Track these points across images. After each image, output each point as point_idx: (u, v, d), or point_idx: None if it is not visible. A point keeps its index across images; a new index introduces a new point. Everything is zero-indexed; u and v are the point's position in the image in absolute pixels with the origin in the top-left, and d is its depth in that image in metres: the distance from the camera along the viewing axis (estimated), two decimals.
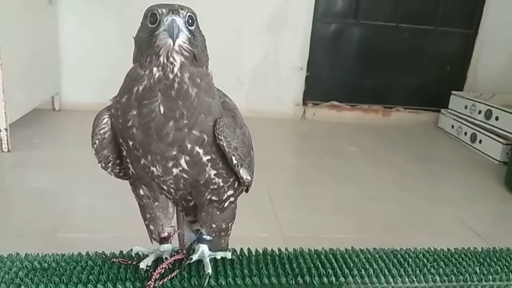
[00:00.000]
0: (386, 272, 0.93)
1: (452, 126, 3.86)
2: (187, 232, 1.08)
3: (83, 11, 3.70)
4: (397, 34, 4.00)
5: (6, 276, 0.86)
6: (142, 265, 0.89)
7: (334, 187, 2.61)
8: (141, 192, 0.88)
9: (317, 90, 4.11)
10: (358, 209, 2.33)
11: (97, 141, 0.82)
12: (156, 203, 0.91)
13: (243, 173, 0.84)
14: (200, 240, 0.94)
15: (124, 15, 3.58)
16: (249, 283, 0.87)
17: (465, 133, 3.65)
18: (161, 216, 0.93)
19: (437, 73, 4.19)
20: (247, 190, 1.00)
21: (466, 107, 3.72)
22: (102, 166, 0.87)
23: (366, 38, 4.02)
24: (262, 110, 4.01)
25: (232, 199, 0.91)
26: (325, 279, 0.90)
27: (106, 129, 0.81)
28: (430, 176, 2.98)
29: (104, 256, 0.95)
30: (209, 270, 0.88)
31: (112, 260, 0.93)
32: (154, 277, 0.86)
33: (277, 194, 2.43)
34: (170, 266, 0.90)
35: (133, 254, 0.96)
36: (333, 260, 0.97)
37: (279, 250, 1.01)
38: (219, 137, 0.77)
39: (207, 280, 0.86)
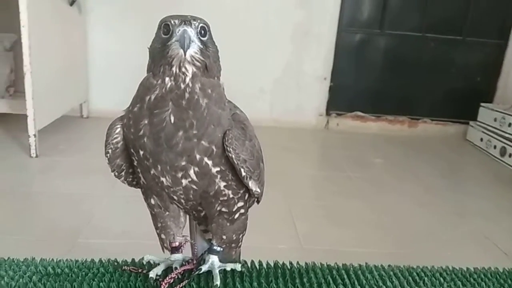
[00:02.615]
0: None
1: (481, 139, 3.74)
2: (199, 241, 1.08)
3: (111, 21, 3.80)
4: (423, 44, 3.92)
5: (21, 280, 0.88)
6: (152, 274, 0.89)
7: (355, 199, 2.56)
8: (152, 201, 0.89)
9: (341, 100, 4.07)
10: (379, 222, 2.28)
11: (110, 151, 0.83)
12: (167, 213, 0.91)
13: (252, 185, 0.84)
14: (210, 251, 0.94)
15: (150, 26, 3.64)
16: None
17: (495, 147, 3.53)
18: (172, 226, 0.94)
19: (465, 84, 4.08)
20: (258, 201, 0.99)
21: (495, 120, 3.60)
22: (115, 175, 0.89)
23: (391, 48, 3.97)
24: (285, 119, 4.01)
25: (242, 210, 0.91)
26: None
27: (119, 138, 0.82)
28: (456, 191, 2.89)
29: (116, 263, 0.96)
30: (217, 282, 0.87)
31: (123, 268, 0.94)
32: (162, 287, 0.86)
33: (297, 205, 2.40)
34: (180, 276, 0.90)
35: (144, 263, 0.97)
36: (345, 276, 0.95)
37: (291, 263, 0.99)
38: (228, 148, 0.77)
39: None
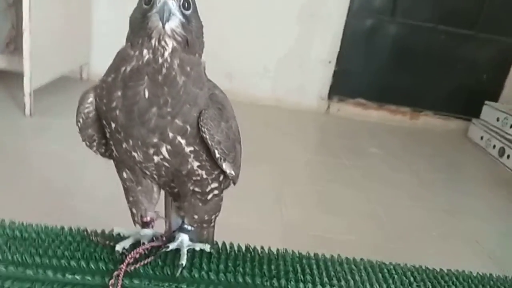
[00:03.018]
0: (367, 286, 0.89)
1: (482, 138, 3.70)
2: (174, 217, 1.06)
3: None
4: (434, 35, 3.83)
5: None
6: (118, 247, 0.88)
7: (346, 187, 2.55)
8: (124, 175, 0.87)
9: (344, 85, 4.01)
10: (369, 212, 2.27)
11: (81, 120, 0.81)
12: (139, 187, 0.90)
13: (227, 167, 0.82)
14: (181, 229, 0.93)
15: None
16: (222, 279, 0.85)
17: (494, 146, 3.49)
18: (143, 201, 0.92)
19: (472, 80, 4.00)
20: (234, 183, 0.97)
21: (498, 119, 3.55)
22: (86, 145, 0.87)
23: (401, 37, 3.88)
24: (287, 100, 3.96)
25: (216, 192, 0.89)
26: (301, 285, 0.87)
27: (90, 108, 0.79)
28: (450, 187, 2.87)
29: (85, 232, 0.95)
30: (183, 261, 0.86)
31: (92, 238, 0.92)
32: (127, 261, 0.85)
33: (287, 188, 2.39)
34: (146, 252, 0.89)
35: (114, 234, 0.96)
36: (315, 266, 0.93)
37: (262, 248, 0.98)
38: (203, 129, 0.75)
39: (179, 271, 0.85)
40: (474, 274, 1.00)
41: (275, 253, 0.97)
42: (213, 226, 0.99)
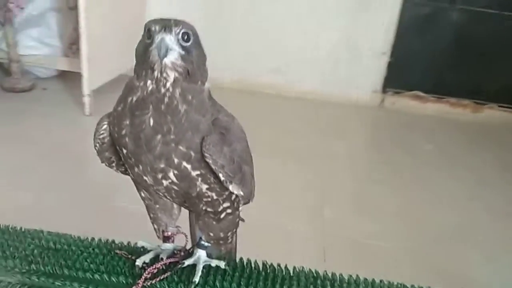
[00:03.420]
0: None
1: None
2: (197, 232, 1.10)
3: None
4: (498, 22, 3.52)
5: (23, 252, 0.96)
6: (138, 262, 0.93)
7: (394, 187, 2.46)
8: (142, 194, 0.92)
9: (400, 77, 3.84)
10: (414, 214, 2.19)
11: (97, 145, 0.86)
12: (157, 206, 0.94)
13: (234, 188, 0.83)
14: (198, 245, 0.96)
15: None
16: None
17: None
18: (163, 217, 0.96)
19: None
20: (248, 201, 0.99)
21: None
22: (106, 165, 0.92)
23: (462, 24, 3.62)
24: (336, 94, 3.87)
25: (229, 210, 0.91)
26: None
27: (105, 134, 0.84)
28: (509, 188, 2.67)
29: (112, 245, 1.02)
30: (196, 278, 0.90)
31: (116, 251, 0.99)
32: (144, 276, 0.90)
33: (330, 187, 2.36)
34: (164, 267, 0.93)
35: (139, 246, 1.01)
36: (329, 286, 0.92)
37: (279, 265, 0.99)
38: (206, 154, 0.77)
39: None
40: None
41: (290, 272, 0.97)
42: (231, 242, 1.01)
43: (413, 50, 3.75)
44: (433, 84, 3.82)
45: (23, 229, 1.05)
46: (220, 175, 0.79)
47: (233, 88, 3.92)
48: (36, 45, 3.41)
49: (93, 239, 1.03)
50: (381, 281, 0.97)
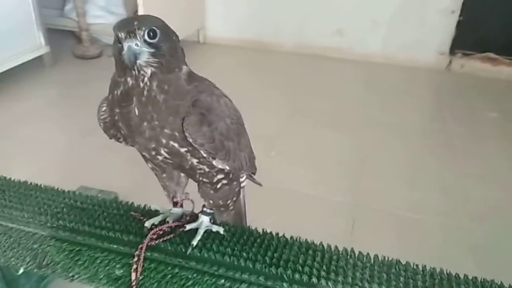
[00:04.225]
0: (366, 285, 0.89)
1: None
2: None
3: None
4: None
5: (55, 209, 1.11)
6: (147, 224, 1.04)
7: (443, 158, 2.35)
8: (149, 165, 1.00)
9: (470, 38, 3.54)
10: (460, 189, 2.08)
11: (101, 124, 0.94)
12: (164, 174, 1.02)
13: (218, 163, 0.89)
14: (202, 211, 1.04)
15: None
16: (226, 261, 0.95)
17: None
18: (171, 185, 1.05)
19: None
20: (253, 173, 1.04)
21: None
22: (115, 140, 1.01)
23: None
24: (400, 57, 3.69)
25: (224, 181, 0.96)
26: (296, 275, 0.91)
27: (106, 115, 0.92)
28: None
29: (130, 206, 1.13)
30: (194, 242, 0.98)
31: (131, 213, 1.10)
32: (150, 237, 1.00)
33: (372, 157, 2.32)
34: (170, 230, 1.03)
35: (153, 209, 1.12)
36: (319, 258, 0.96)
37: (277, 235, 1.04)
38: (185, 134, 0.83)
39: (189, 250, 0.97)
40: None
41: (284, 240, 1.02)
42: (233, 209, 1.07)
43: (486, 7, 3.42)
44: (507, 45, 3.47)
45: (59, 189, 1.21)
46: (202, 152, 0.85)
47: (293, 52, 3.90)
48: (103, 14, 3.64)
49: (114, 200, 1.16)
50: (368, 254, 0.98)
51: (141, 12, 2.94)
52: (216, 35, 4.13)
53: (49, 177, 2.02)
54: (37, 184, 1.23)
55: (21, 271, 1.15)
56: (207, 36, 4.16)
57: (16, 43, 2.99)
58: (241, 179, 1.09)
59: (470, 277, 0.93)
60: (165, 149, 0.86)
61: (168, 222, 1.04)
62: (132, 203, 1.15)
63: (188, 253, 0.97)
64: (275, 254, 0.97)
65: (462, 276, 0.94)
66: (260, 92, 3.12)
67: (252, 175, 1.15)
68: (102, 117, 0.93)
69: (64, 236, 1.04)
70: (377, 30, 3.68)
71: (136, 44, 0.77)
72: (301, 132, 2.58)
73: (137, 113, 0.82)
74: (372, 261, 0.97)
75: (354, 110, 2.90)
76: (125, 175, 2.05)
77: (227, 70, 3.62)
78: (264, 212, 1.85)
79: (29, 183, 1.23)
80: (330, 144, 2.43)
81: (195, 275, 0.94)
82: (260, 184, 1.18)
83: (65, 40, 3.85)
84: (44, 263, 1.04)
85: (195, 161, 0.89)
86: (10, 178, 1.25)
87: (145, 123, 0.82)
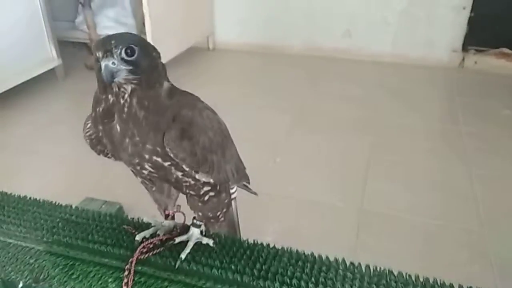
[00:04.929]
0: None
1: None
2: None
3: None
4: None
5: (50, 224, 1.13)
6: (138, 237, 1.04)
7: (454, 159, 2.29)
8: (139, 179, 1.01)
9: (483, 33, 3.46)
10: (471, 191, 2.01)
11: (88, 141, 0.96)
12: (154, 188, 1.03)
13: (201, 176, 0.89)
14: (193, 224, 1.05)
15: None
16: (214, 274, 0.95)
17: None
18: (162, 198, 1.05)
19: None
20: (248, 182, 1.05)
21: None
22: (103, 156, 1.02)
23: None
24: (411, 55, 3.64)
25: (212, 193, 0.96)
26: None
27: (91, 132, 0.93)
28: None
29: (122, 220, 1.14)
30: (183, 255, 0.98)
31: (123, 226, 1.11)
32: (139, 250, 1.01)
33: (380, 159, 2.28)
34: (160, 243, 1.03)
35: (145, 222, 1.13)
36: (308, 269, 0.95)
37: (268, 246, 1.03)
38: (167, 149, 0.83)
39: (177, 264, 0.97)
40: None
41: (279, 250, 1.01)
42: (224, 220, 1.07)
43: (497, 1, 3.34)
44: None
45: (56, 203, 1.23)
46: (184, 166, 0.85)
47: (302, 55, 3.89)
48: (113, 25, 3.70)
49: (107, 214, 1.17)
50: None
51: (148, 22, 2.98)
52: (225, 41, 4.15)
53: (57, 188, 2.07)
54: (35, 199, 1.25)
55: (20, 285, 1.18)
56: (217, 42, 4.18)
57: (28, 56, 3.07)
58: (232, 190, 1.08)
59: None
60: (149, 164, 0.86)
61: (158, 235, 1.05)
62: (127, 216, 1.17)
63: (176, 266, 0.97)
64: (263, 266, 0.96)
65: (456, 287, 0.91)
66: (268, 95, 3.11)
67: (247, 184, 1.15)
68: (88, 133, 0.94)
69: (59, 250, 1.06)
70: (387, 30, 3.63)
71: (113, 63, 0.77)
72: (307, 136, 2.56)
73: (118, 129, 0.82)
74: (363, 271, 0.95)
75: (362, 112, 2.86)
76: (130, 186, 2.07)
77: (237, 74, 3.63)
78: (268, 219, 1.85)
79: (28, 197, 1.25)
80: (335, 148, 2.40)
81: None
82: (255, 194, 1.17)
83: (77, 51, 3.93)
84: (41, 277, 1.05)
85: (179, 174, 0.89)
86: (10, 193, 1.28)
87: (127, 140, 0.83)
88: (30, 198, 1.25)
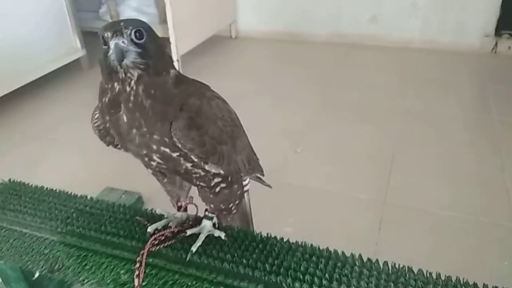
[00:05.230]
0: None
1: None
2: None
3: None
4: None
5: (65, 214, 1.13)
6: (150, 229, 1.03)
7: (483, 151, 2.18)
8: (150, 171, 0.99)
9: None
10: (500, 184, 1.91)
11: (96, 131, 0.94)
12: (165, 179, 1.01)
13: (210, 168, 0.86)
14: (205, 216, 1.02)
15: None
16: (225, 267, 0.93)
17: None
18: (174, 189, 1.04)
19: None
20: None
21: None
22: (113, 147, 1.00)
23: None
24: (440, 41, 3.49)
25: (223, 185, 0.94)
26: (297, 284, 0.87)
27: (99, 122, 0.91)
28: None
29: (136, 211, 1.13)
30: (194, 248, 0.96)
31: (136, 217, 1.10)
32: (151, 243, 0.99)
33: (405, 151, 2.19)
34: (171, 235, 1.02)
35: (158, 213, 1.11)
36: (322, 265, 0.91)
37: (281, 240, 1.00)
38: (174, 139, 0.80)
39: (188, 256, 0.95)
40: None
41: (292, 245, 0.98)
42: (236, 213, 1.04)
43: None
44: None
45: (71, 193, 1.23)
46: (192, 157, 0.82)
47: (327, 42, 3.80)
48: (136, 15, 3.69)
49: (120, 204, 1.16)
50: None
51: (169, 10, 2.96)
52: (248, 29, 4.10)
53: (79, 178, 2.10)
54: (52, 189, 1.25)
55: (36, 275, 1.20)
56: (239, 30, 4.13)
57: (52, 47, 3.11)
58: (244, 182, 1.05)
59: None
60: (157, 155, 0.84)
61: (170, 227, 1.03)
62: (141, 207, 1.15)
63: (187, 259, 0.95)
64: (276, 261, 0.93)
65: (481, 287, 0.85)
66: (292, 85, 3.06)
67: (261, 176, 1.12)
68: (96, 124, 0.92)
69: (72, 241, 1.06)
70: (416, 14, 3.49)
71: (123, 42, 0.75)
72: (330, 125, 2.50)
73: (125, 120, 0.80)
74: (380, 268, 0.91)
75: (388, 100, 2.77)
76: (150, 177, 2.07)
77: (260, 63, 3.58)
78: (288, 210, 1.81)
79: (44, 188, 1.26)
80: (360, 138, 2.33)
81: (194, 282, 0.92)
82: (269, 186, 1.14)
83: None
84: (56, 267, 1.06)
85: (189, 165, 0.86)
86: (28, 183, 1.29)
87: (134, 130, 0.80)
88: (46, 188, 1.26)
